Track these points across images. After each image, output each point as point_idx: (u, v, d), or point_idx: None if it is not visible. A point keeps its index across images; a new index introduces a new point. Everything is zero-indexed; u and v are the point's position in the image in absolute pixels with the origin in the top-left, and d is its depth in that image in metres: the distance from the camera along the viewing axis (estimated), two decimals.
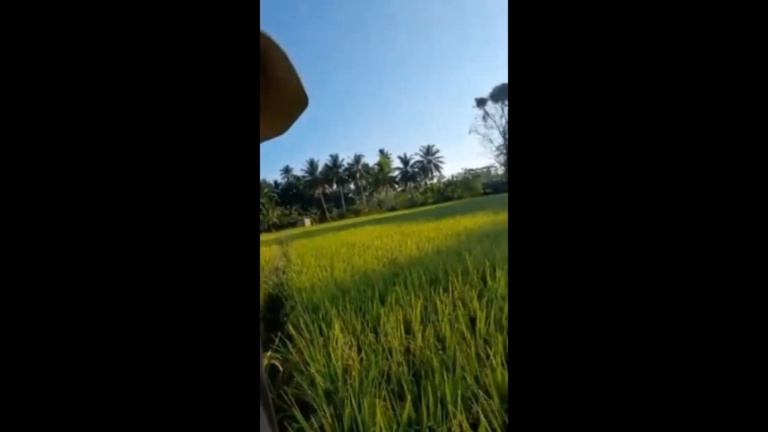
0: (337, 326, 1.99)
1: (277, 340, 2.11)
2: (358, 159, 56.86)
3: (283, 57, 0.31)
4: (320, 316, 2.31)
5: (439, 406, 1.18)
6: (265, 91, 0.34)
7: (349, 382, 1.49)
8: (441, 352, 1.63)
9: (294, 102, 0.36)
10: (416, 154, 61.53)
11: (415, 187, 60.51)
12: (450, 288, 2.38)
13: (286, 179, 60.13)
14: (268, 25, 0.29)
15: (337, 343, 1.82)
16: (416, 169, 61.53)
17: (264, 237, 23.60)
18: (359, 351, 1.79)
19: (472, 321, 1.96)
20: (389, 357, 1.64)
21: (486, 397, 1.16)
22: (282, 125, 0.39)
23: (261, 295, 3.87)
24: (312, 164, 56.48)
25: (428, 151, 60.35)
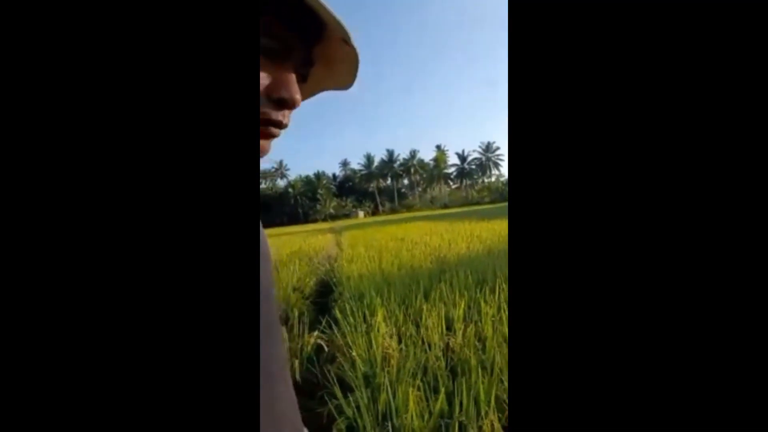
0: (380, 315, 2.06)
1: (323, 322, 2.25)
2: (413, 154, 56.63)
3: (353, 54, 0.30)
4: (365, 303, 2.41)
5: (472, 403, 1.18)
6: (323, 74, 0.33)
7: (387, 369, 1.55)
8: (480, 352, 1.61)
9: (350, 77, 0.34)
10: (474, 150, 59.35)
11: (471, 184, 58.49)
12: (497, 290, 2.32)
13: (343, 172, 62.14)
14: None
15: (378, 331, 1.89)
16: (473, 167, 59.40)
17: (320, 226, 24.85)
18: (399, 341, 1.84)
19: None
20: (428, 350, 1.67)
21: None
22: (347, 83, 0.37)
23: (313, 279, 4.12)
24: (369, 159, 57.60)
25: (488, 148, 57.84)
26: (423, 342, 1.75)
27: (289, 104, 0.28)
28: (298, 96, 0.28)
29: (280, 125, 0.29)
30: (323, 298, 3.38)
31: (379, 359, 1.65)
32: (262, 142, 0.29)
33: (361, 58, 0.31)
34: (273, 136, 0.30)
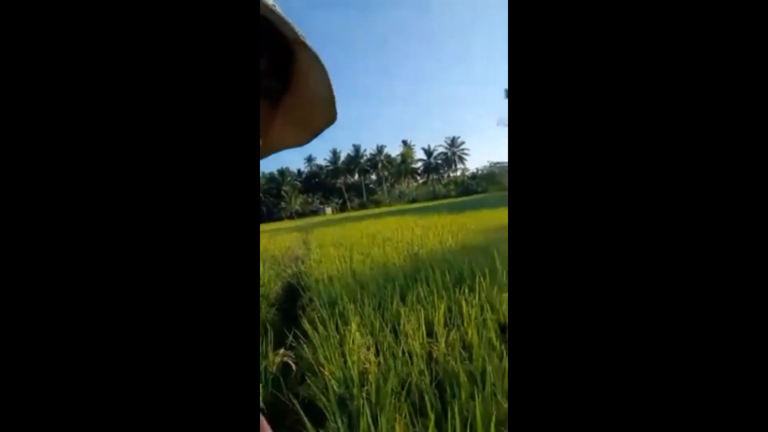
0: (354, 324, 1.87)
1: (290, 336, 2.02)
2: (380, 149, 56.73)
3: (322, 72, 0.30)
4: (337, 311, 2.20)
5: (467, 428, 1.03)
6: (295, 103, 0.33)
7: (365, 387, 1.36)
8: (467, 362, 1.47)
9: (323, 118, 0.35)
10: (440, 145, 60.56)
11: (438, 179, 59.82)
12: (477, 289, 2.20)
13: (309, 168, 60.95)
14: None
15: (353, 343, 1.70)
16: (440, 161, 60.70)
17: (286, 224, 24.04)
18: (377, 353, 1.66)
19: (503, 328, 1.78)
20: (410, 363, 1.50)
21: None
22: (305, 138, 0.38)
23: (279, 284, 3.84)
24: (335, 154, 56.87)
25: (453, 143, 59.27)
26: (403, 353, 1.58)
27: None
28: None
29: None
30: (290, 305, 3.12)
31: (356, 377, 1.46)
32: None
33: (324, 51, 0.30)
34: None
